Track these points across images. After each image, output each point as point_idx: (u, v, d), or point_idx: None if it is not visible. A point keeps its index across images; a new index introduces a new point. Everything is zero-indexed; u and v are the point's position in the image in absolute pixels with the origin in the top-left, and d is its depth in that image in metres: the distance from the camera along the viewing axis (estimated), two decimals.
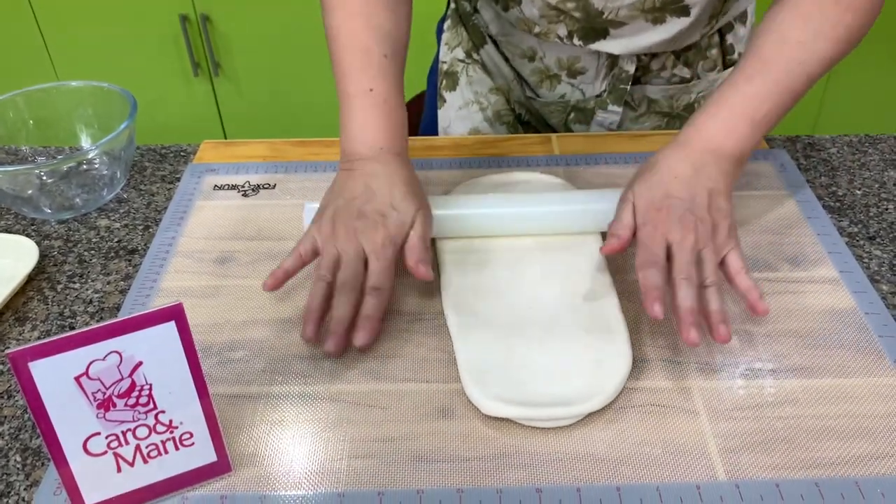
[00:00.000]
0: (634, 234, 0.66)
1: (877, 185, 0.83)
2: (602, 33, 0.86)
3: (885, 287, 0.70)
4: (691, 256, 0.63)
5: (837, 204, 0.80)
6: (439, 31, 1.05)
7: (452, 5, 1.02)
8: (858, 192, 0.82)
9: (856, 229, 0.77)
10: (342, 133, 0.73)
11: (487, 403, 0.58)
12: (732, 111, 0.69)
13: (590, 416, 0.58)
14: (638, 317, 0.66)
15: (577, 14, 0.84)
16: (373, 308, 0.63)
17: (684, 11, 0.83)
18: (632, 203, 0.67)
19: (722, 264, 0.65)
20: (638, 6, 0.81)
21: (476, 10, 0.97)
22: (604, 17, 0.83)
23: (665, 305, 0.60)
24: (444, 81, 1.03)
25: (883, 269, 0.72)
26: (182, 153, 0.92)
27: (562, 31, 0.87)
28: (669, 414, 0.59)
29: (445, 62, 1.03)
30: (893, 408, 0.59)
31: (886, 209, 0.79)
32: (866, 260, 0.73)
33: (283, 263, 0.67)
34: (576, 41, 0.87)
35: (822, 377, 0.61)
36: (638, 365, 0.62)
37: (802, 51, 0.68)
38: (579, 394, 0.58)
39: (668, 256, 0.64)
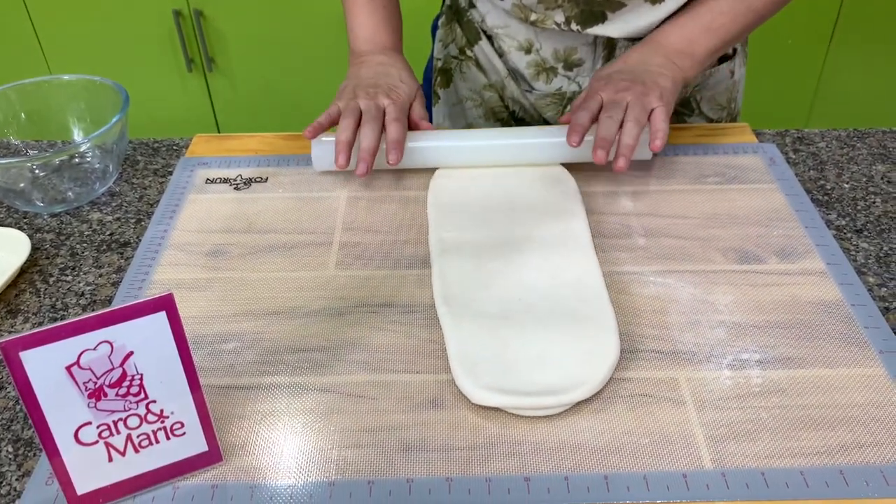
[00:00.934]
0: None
1: (864, 179, 0.83)
2: (600, 17, 0.87)
3: (871, 279, 0.71)
4: (617, 103, 0.76)
5: (825, 197, 0.81)
6: (434, 29, 1.06)
7: (447, 2, 1.03)
8: (846, 185, 0.83)
9: (843, 222, 0.77)
10: (350, 35, 0.91)
11: (477, 393, 0.58)
12: (690, 19, 0.81)
13: (578, 406, 0.59)
14: (627, 308, 0.67)
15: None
16: (397, 132, 0.78)
17: None
18: (592, 87, 0.80)
19: (649, 117, 0.75)
20: None
21: (472, 5, 0.98)
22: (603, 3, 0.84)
23: (582, 139, 0.74)
24: (439, 78, 1.04)
25: (869, 261, 0.73)
26: (174, 147, 0.92)
27: (559, 17, 0.88)
28: (657, 403, 0.59)
29: (440, 59, 1.04)
30: (878, 398, 0.59)
31: (874, 202, 0.80)
32: (853, 252, 0.74)
33: (317, 119, 0.80)
34: (573, 26, 0.88)
35: (809, 368, 0.62)
36: (626, 355, 0.63)
37: None
38: (568, 383, 0.59)
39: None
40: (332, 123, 0.81)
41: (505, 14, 0.93)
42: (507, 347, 0.62)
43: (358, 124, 0.79)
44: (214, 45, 1.93)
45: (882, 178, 0.83)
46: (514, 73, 0.97)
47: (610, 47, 0.91)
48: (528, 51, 0.95)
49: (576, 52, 0.92)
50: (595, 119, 0.76)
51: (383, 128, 0.79)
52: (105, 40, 1.92)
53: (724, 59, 0.95)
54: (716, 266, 0.71)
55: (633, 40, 0.90)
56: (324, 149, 0.82)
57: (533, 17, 0.89)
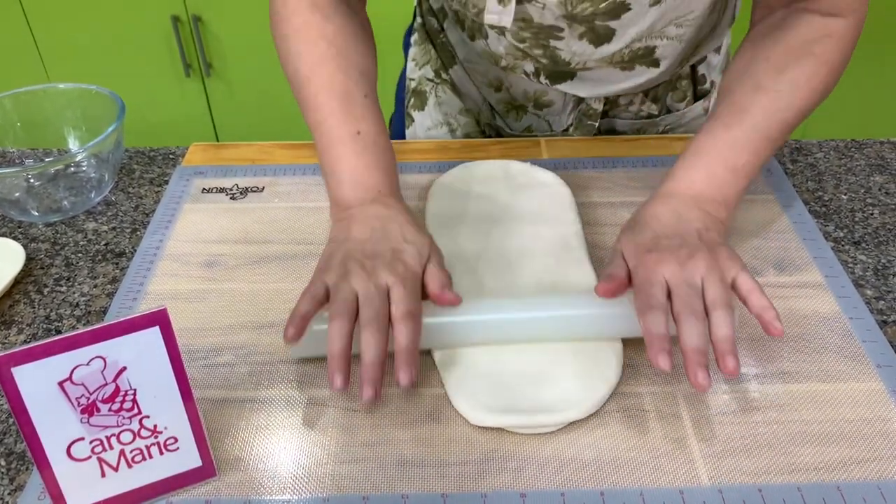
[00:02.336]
0: (630, 280, 0.62)
1: (862, 190, 0.83)
2: (569, 76, 0.85)
3: (869, 292, 0.70)
4: (691, 286, 0.58)
5: (823, 209, 0.81)
6: (406, 44, 1.02)
7: (419, 19, 0.99)
8: (844, 196, 0.82)
9: (841, 234, 0.77)
10: (331, 181, 0.68)
11: (473, 413, 0.58)
12: (711, 159, 0.67)
13: (574, 421, 0.59)
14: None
15: (543, 60, 0.83)
16: (409, 337, 0.57)
17: (654, 63, 0.83)
18: (620, 252, 0.64)
19: (732, 287, 0.60)
20: (606, 59, 0.81)
21: (443, 29, 0.95)
22: (571, 66, 0.83)
23: (672, 356, 0.55)
24: (413, 100, 1.00)
25: (867, 274, 0.72)
26: (170, 156, 0.91)
27: (528, 67, 0.86)
28: (654, 418, 0.59)
29: (413, 79, 1.00)
30: (876, 413, 0.59)
31: (871, 214, 0.80)
32: (851, 265, 0.73)
33: (297, 308, 0.59)
34: (542, 80, 0.87)
35: (806, 382, 0.61)
36: (623, 369, 0.62)
37: (779, 99, 0.67)
38: (567, 401, 0.58)
39: (669, 295, 0.59)
40: (319, 307, 0.60)
41: (475, 52, 0.91)
42: (502, 363, 0.62)
43: (354, 319, 0.59)
44: (212, 51, 1.93)
45: (880, 190, 0.83)
46: (488, 103, 0.96)
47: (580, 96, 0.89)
48: (497, 88, 0.93)
49: (546, 95, 0.91)
50: (669, 315, 0.58)
51: (390, 321, 0.59)
52: (103, 45, 1.92)
53: (701, 95, 0.94)
54: None
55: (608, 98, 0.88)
56: (306, 340, 0.60)
57: (503, 63, 0.87)
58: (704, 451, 0.56)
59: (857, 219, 0.79)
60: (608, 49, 0.79)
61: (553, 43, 0.79)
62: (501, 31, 0.81)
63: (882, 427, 0.58)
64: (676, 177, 0.68)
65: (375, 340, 0.57)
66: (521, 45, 0.81)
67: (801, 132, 2.06)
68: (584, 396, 0.58)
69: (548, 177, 0.82)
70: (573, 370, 0.61)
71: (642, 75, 0.84)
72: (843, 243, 0.76)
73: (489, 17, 0.75)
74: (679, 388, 0.61)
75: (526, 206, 0.78)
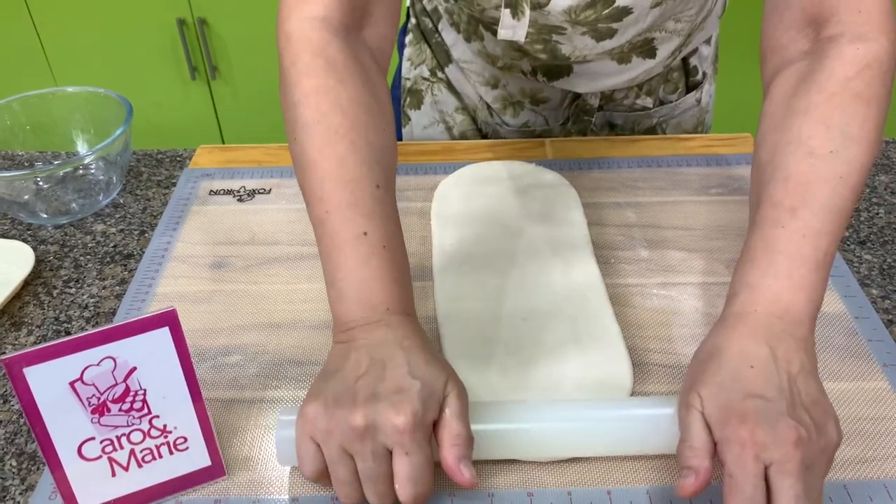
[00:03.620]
0: (714, 452, 0.50)
1: (868, 190, 0.83)
2: (566, 70, 0.86)
3: (874, 291, 0.70)
4: (801, 488, 0.46)
5: None
6: (400, 43, 1.01)
7: (413, 20, 0.99)
8: None
9: (847, 233, 0.77)
10: (332, 293, 0.57)
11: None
12: (790, 258, 0.54)
13: None
14: (630, 321, 0.67)
15: (542, 56, 0.83)
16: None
17: (650, 53, 0.83)
18: (700, 412, 0.50)
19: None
20: (606, 53, 0.82)
21: (437, 30, 0.95)
22: (570, 60, 0.83)
23: None
24: (409, 99, 1.00)
25: (873, 273, 0.72)
26: (178, 158, 0.92)
27: (525, 66, 0.86)
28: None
29: (409, 79, 0.99)
30: (881, 412, 0.59)
31: (877, 214, 0.80)
32: (856, 264, 0.74)
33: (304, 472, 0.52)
34: (539, 77, 0.87)
35: None
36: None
37: (838, 162, 0.55)
38: None
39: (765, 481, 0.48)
40: (324, 465, 0.52)
41: (471, 52, 0.91)
42: (511, 378, 0.61)
43: (359, 481, 0.51)
44: (217, 53, 1.94)
45: (885, 189, 0.83)
46: (484, 101, 0.96)
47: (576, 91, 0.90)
48: (494, 86, 0.93)
49: (542, 91, 0.92)
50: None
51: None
52: (109, 48, 1.93)
53: (692, 87, 0.95)
54: (719, 278, 0.71)
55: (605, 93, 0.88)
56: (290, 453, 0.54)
57: (500, 63, 0.87)
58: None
59: (862, 218, 0.79)
60: (609, 44, 0.80)
61: (555, 38, 0.79)
62: None
63: (888, 426, 0.58)
64: (752, 286, 0.55)
65: (378, 494, 0.50)
66: (521, 43, 0.81)
67: None
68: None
69: (553, 177, 0.82)
70: (582, 382, 0.60)
71: (638, 67, 0.84)
72: (848, 242, 0.76)
73: (503, 33, 0.74)
74: None
75: (532, 206, 0.78)
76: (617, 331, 0.64)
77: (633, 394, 0.60)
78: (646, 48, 0.82)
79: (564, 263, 0.71)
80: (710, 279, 0.71)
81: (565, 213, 0.77)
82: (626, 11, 0.75)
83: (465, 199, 0.80)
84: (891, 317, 0.68)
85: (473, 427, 0.52)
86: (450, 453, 0.50)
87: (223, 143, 2.07)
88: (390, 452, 0.49)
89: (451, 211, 0.79)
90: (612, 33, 0.78)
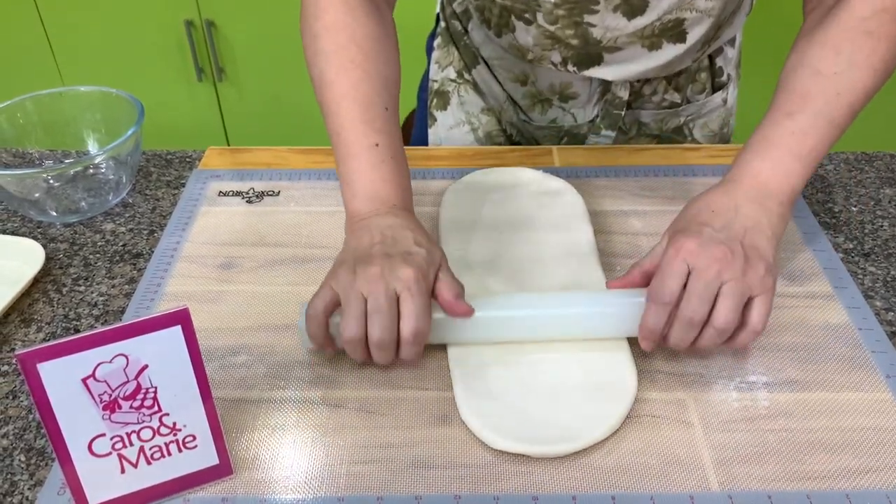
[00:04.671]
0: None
1: (872, 203, 0.84)
2: (596, 59, 0.86)
3: (878, 303, 0.71)
4: (707, 291, 0.58)
5: (833, 220, 0.81)
6: (429, 48, 1.04)
7: (443, 24, 1.01)
8: (854, 208, 0.83)
9: (851, 246, 0.78)
10: (347, 191, 0.68)
11: (491, 438, 0.58)
12: (776, 148, 0.66)
13: None
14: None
15: (574, 42, 0.84)
16: (413, 355, 0.60)
17: (681, 38, 0.84)
18: (667, 236, 0.65)
19: (745, 307, 0.59)
20: (637, 34, 0.82)
21: (467, 31, 0.97)
22: (601, 44, 0.84)
23: (656, 346, 0.61)
24: (435, 101, 1.02)
25: (877, 285, 0.73)
26: (187, 159, 0.93)
27: (555, 57, 0.87)
28: (665, 425, 0.59)
29: (436, 81, 1.02)
30: (884, 422, 0.60)
31: (881, 226, 0.80)
32: (861, 276, 0.74)
33: (309, 331, 0.62)
34: (569, 67, 0.88)
35: (816, 391, 0.62)
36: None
37: (839, 81, 0.66)
38: (584, 424, 0.58)
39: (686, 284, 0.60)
40: (327, 319, 0.62)
41: (500, 48, 0.93)
42: (516, 382, 0.62)
43: (365, 324, 0.60)
44: (224, 56, 1.95)
45: (890, 202, 0.84)
46: (512, 100, 0.97)
47: (606, 83, 0.91)
48: (523, 83, 0.94)
49: (571, 87, 0.92)
50: (671, 312, 0.60)
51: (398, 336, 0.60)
52: (117, 49, 1.93)
53: (717, 88, 0.96)
54: None
55: (630, 82, 0.90)
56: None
57: (530, 56, 0.88)
58: (715, 458, 0.57)
59: (866, 230, 0.80)
60: (640, 22, 0.80)
61: (587, 18, 0.80)
62: (532, 18, 0.83)
63: (891, 437, 0.59)
64: (740, 166, 0.67)
65: (386, 355, 0.60)
66: (553, 28, 0.82)
67: None
68: (602, 417, 0.59)
69: (560, 185, 0.83)
70: (587, 387, 0.61)
71: (668, 52, 0.85)
72: (852, 255, 0.77)
73: None
74: (690, 395, 0.62)
75: (538, 213, 0.79)
76: (626, 347, 0.65)
77: (637, 401, 0.61)
78: (676, 31, 0.83)
79: (570, 270, 0.72)
80: None
81: (572, 221, 0.78)
82: None
83: (472, 205, 0.80)
84: (894, 328, 0.68)
85: (444, 315, 0.63)
86: (447, 294, 0.62)
87: (228, 144, 2.08)
88: (397, 299, 0.59)
89: (458, 217, 0.79)
90: (643, 7, 0.79)
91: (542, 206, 0.80)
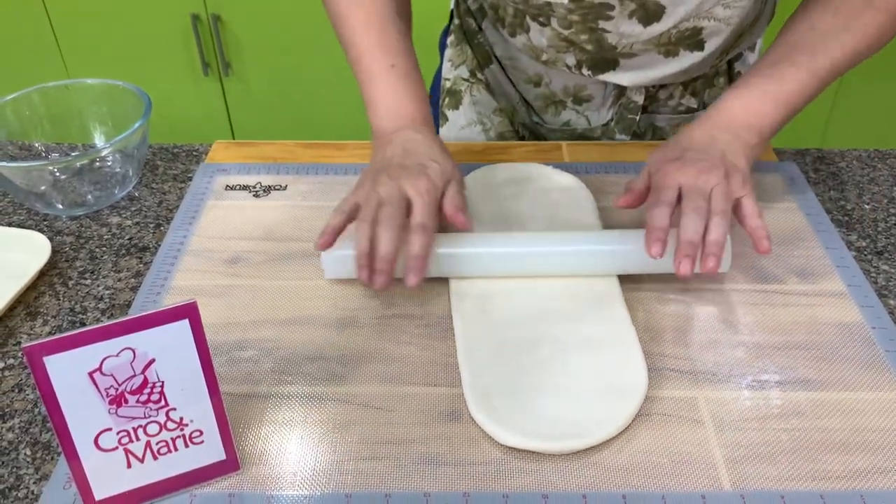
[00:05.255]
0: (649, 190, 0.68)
1: (885, 200, 0.83)
2: (612, 64, 0.85)
3: (892, 302, 0.70)
4: (701, 192, 0.65)
5: (846, 218, 0.81)
6: (442, 45, 1.03)
7: (456, 21, 1.00)
8: (867, 206, 0.82)
9: (864, 243, 0.77)
10: (371, 110, 0.75)
11: (494, 430, 0.57)
12: (754, 89, 0.70)
13: None
14: (647, 326, 0.67)
15: (588, 47, 0.83)
16: (420, 246, 0.64)
17: (699, 46, 0.83)
18: (647, 167, 0.70)
19: (735, 208, 0.66)
20: (653, 41, 0.81)
21: (481, 29, 0.96)
22: (617, 50, 0.83)
23: (666, 247, 0.63)
24: (447, 99, 1.01)
25: (891, 283, 0.72)
26: (194, 153, 0.92)
27: (570, 60, 0.86)
28: (676, 423, 0.59)
29: (449, 79, 1.01)
30: None
31: (895, 224, 0.80)
32: (874, 274, 0.73)
33: (329, 221, 0.67)
34: (584, 71, 0.87)
35: (828, 390, 0.61)
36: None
37: (829, 38, 0.69)
38: (594, 421, 0.58)
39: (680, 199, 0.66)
40: (349, 220, 0.68)
41: (514, 48, 0.92)
42: (525, 377, 0.61)
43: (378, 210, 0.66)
44: (230, 50, 1.94)
45: None
46: (525, 101, 0.96)
47: (621, 87, 0.90)
48: (537, 84, 0.93)
49: (585, 89, 0.91)
50: (673, 215, 0.66)
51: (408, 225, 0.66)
52: (123, 42, 1.93)
53: None
54: (735, 285, 0.71)
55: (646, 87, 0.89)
56: (337, 261, 0.69)
57: (544, 57, 0.87)
58: (726, 457, 0.56)
59: (879, 228, 0.79)
60: (656, 28, 0.79)
61: (602, 24, 0.79)
62: (546, 21, 0.82)
63: None
64: (718, 105, 0.72)
65: (388, 236, 0.64)
66: (567, 32, 0.81)
67: (822, 141, 2.05)
68: (613, 414, 0.58)
69: (569, 180, 0.82)
70: (597, 384, 0.60)
71: (685, 60, 0.84)
72: (865, 253, 0.76)
73: None
74: (701, 394, 0.61)
75: (547, 209, 0.78)
76: (633, 335, 0.64)
77: (648, 400, 0.60)
78: (694, 39, 0.82)
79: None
80: (727, 285, 0.71)
81: (581, 216, 0.77)
82: None
83: (480, 201, 0.80)
84: None
85: (448, 250, 0.68)
86: (449, 207, 0.68)
87: (234, 139, 2.07)
88: (408, 204, 0.66)
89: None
90: (660, 14, 0.78)
91: (552, 201, 0.79)
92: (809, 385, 0.62)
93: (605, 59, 0.84)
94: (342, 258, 0.69)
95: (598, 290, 0.69)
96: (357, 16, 0.76)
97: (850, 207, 0.82)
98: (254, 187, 0.84)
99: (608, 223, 0.77)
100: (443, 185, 0.68)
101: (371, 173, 0.70)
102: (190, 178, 0.87)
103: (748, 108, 0.70)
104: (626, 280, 0.71)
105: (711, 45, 0.83)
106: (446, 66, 1.01)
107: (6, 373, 0.64)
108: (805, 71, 0.70)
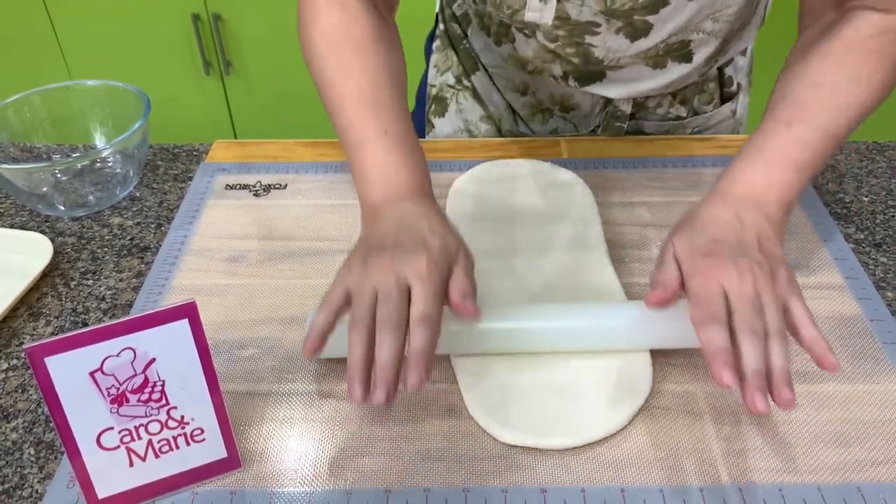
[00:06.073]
0: (682, 284, 0.58)
1: (884, 193, 0.83)
2: (599, 76, 0.85)
3: (890, 294, 0.70)
4: (752, 304, 0.55)
5: (844, 210, 0.81)
6: (428, 50, 1.02)
7: (441, 26, 0.99)
8: (865, 198, 0.82)
9: (862, 236, 0.77)
10: (360, 183, 0.66)
11: (495, 430, 0.58)
12: (773, 157, 0.63)
13: None
14: None
15: (575, 59, 0.82)
16: (424, 340, 0.54)
17: (686, 58, 0.82)
18: (672, 253, 0.60)
19: (784, 313, 0.56)
20: (640, 55, 0.81)
21: (466, 35, 0.94)
22: (603, 63, 0.82)
23: (735, 371, 0.52)
24: (433, 106, 1.00)
25: (889, 276, 0.72)
26: (194, 152, 0.93)
27: (556, 70, 0.85)
28: (674, 416, 0.59)
29: (434, 86, 0.99)
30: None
31: (893, 216, 0.80)
32: (872, 267, 0.73)
33: (314, 320, 0.57)
34: (571, 82, 0.86)
35: (827, 383, 0.62)
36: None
37: (840, 96, 0.64)
38: (594, 419, 0.58)
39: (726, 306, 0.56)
40: (338, 315, 0.58)
41: (500, 57, 0.91)
42: (524, 378, 0.61)
43: (373, 318, 0.55)
44: (231, 49, 1.95)
45: None
46: (511, 109, 0.95)
47: (607, 98, 0.89)
48: (523, 93, 0.93)
49: (573, 98, 0.91)
50: (730, 330, 0.54)
51: (408, 323, 0.55)
52: (124, 42, 1.94)
53: (727, 97, 0.94)
54: None
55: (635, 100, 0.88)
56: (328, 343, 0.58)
57: (530, 67, 0.87)
58: (725, 450, 0.57)
59: (878, 221, 0.79)
60: (644, 44, 0.78)
61: (588, 39, 0.78)
62: (531, 32, 0.81)
63: None
64: (735, 175, 0.64)
65: (390, 341, 0.54)
66: (553, 46, 0.80)
67: None
68: (611, 417, 0.58)
69: (568, 176, 0.82)
70: (601, 382, 0.60)
71: (673, 72, 0.83)
72: (863, 245, 0.76)
73: (530, 15, 0.75)
74: (700, 387, 0.61)
75: (546, 205, 0.79)
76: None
77: (651, 394, 0.61)
78: (682, 52, 0.81)
79: (578, 262, 0.72)
80: None
81: (580, 212, 0.78)
82: (662, 2, 0.74)
83: (479, 197, 0.80)
84: None
85: (456, 325, 0.60)
86: (456, 294, 0.57)
87: (236, 138, 2.08)
88: (408, 293, 0.56)
89: (465, 209, 0.79)
90: (647, 30, 0.77)
91: (550, 197, 0.80)
92: (807, 378, 0.62)
93: (592, 71, 0.84)
94: (335, 335, 0.58)
95: (596, 287, 0.69)
96: (347, 78, 0.68)
97: (849, 200, 0.82)
98: (254, 186, 0.85)
99: (607, 220, 0.78)
100: (447, 263, 0.58)
101: (361, 253, 0.59)
102: (190, 178, 0.88)
103: (770, 177, 0.62)
104: (624, 274, 0.71)
105: (700, 57, 0.83)
106: (432, 71, 1.00)
107: (10, 373, 0.65)
108: (821, 133, 0.63)
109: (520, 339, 0.62)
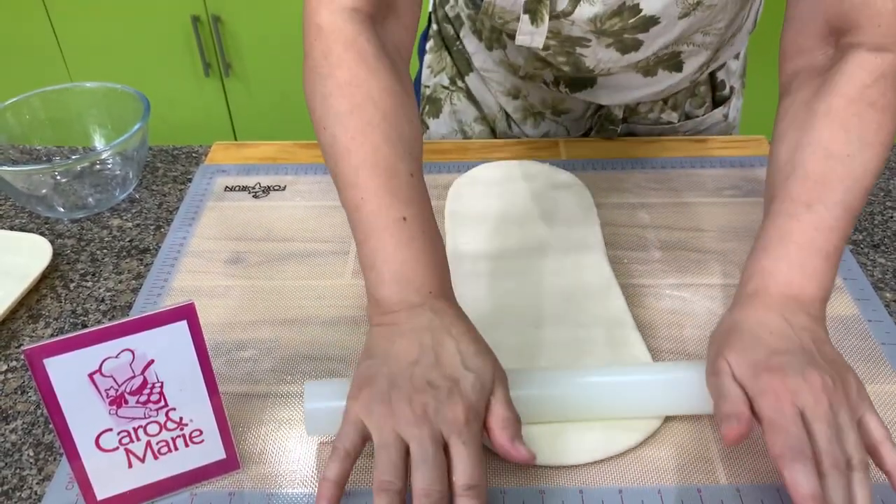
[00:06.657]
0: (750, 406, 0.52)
1: (882, 194, 0.83)
2: (589, 83, 0.85)
3: (888, 295, 0.70)
4: (830, 425, 0.50)
5: None
6: (421, 50, 1.01)
7: (434, 26, 0.98)
8: None
9: (860, 237, 0.77)
10: (370, 275, 0.57)
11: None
12: (803, 249, 0.58)
13: None
14: (643, 321, 0.67)
15: (565, 68, 0.82)
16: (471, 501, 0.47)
17: (677, 67, 0.83)
18: (730, 373, 0.54)
19: (858, 425, 0.51)
20: (631, 66, 0.81)
21: (459, 37, 0.94)
22: (594, 72, 0.82)
23: None
24: (428, 107, 0.99)
25: (887, 276, 0.72)
26: (193, 154, 0.93)
27: (548, 76, 0.85)
28: (673, 418, 0.59)
29: (428, 86, 0.99)
30: (894, 416, 0.59)
31: (891, 217, 0.80)
32: (870, 267, 0.73)
33: (325, 473, 0.50)
34: (562, 88, 0.86)
35: None
36: None
37: (854, 166, 0.59)
38: (601, 445, 0.57)
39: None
40: (352, 464, 0.51)
41: (492, 61, 0.91)
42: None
43: (406, 484, 0.49)
44: (231, 51, 1.95)
45: None
46: (504, 111, 0.96)
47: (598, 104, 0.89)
48: (515, 96, 0.93)
49: (564, 102, 0.91)
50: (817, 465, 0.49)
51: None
52: (124, 44, 1.94)
53: (719, 101, 0.94)
54: (732, 280, 0.71)
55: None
56: (330, 422, 0.55)
57: (521, 72, 0.87)
58: (723, 450, 0.57)
59: (876, 222, 0.79)
60: (634, 57, 0.79)
61: (579, 51, 0.78)
62: None
63: None
64: (765, 272, 0.59)
65: (430, 474, 0.48)
66: (544, 54, 0.80)
67: None
68: (612, 445, 0.57)
69: (566, 177, 0.83)
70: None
71: (664, 81, 0.84)
72: (862, 246, 0.76)
73: (521, 39, 0.74)
74: None
75: (545, 206, 0.79)
76: (637, 335, 0.65)
77: None
78: (672, 62, 0.81)
79: (576, 263, 0.72)
80: (723, 280, 0.71)
81: (578, 214, 0.78)
82: (653, 21, 0.74)
83: (478, 199, 0.80)
84: None
85: (513, 393, 0.54)
86: (502, 435, 0.51)
87: (236, 139, 2.08)
88: (444, 442, 0.49)
89: (464, 210, 0.79)
90: (637, 45, 0.77)
91: (549, 199, 0.80)
92: None
93: (583, 78, 0.84)
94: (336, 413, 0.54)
95: (594, 288, 0.69)
96: (361, 150, 0.58)
97: None
98: (253, 188, 0.85)
99: (605, 221, 0.78)
100: (484, 402, 0.51)
101: (382, 388, 0.51)
102: (189, 180, 0.88)
103: (807, 274, 0.57)
104: (622, 276, 0.71)
105: (690, 66, 0.83)
106: (425, 72, 0.99)
107: (9, 375, 0.65)
108: (843, 211, 0.58)
109: (539, 410, 0.58)
